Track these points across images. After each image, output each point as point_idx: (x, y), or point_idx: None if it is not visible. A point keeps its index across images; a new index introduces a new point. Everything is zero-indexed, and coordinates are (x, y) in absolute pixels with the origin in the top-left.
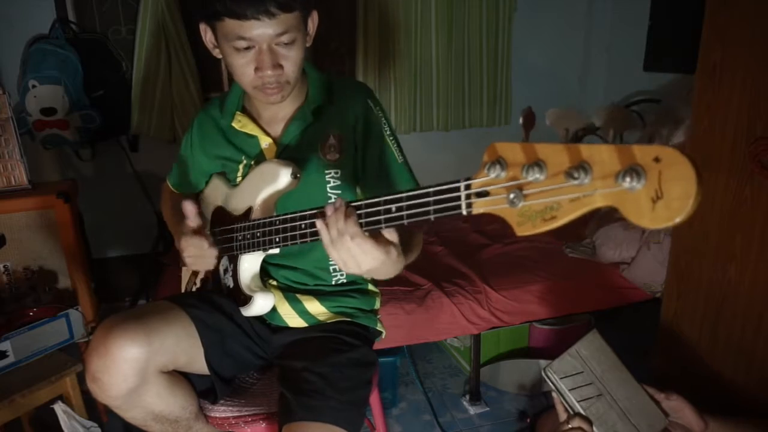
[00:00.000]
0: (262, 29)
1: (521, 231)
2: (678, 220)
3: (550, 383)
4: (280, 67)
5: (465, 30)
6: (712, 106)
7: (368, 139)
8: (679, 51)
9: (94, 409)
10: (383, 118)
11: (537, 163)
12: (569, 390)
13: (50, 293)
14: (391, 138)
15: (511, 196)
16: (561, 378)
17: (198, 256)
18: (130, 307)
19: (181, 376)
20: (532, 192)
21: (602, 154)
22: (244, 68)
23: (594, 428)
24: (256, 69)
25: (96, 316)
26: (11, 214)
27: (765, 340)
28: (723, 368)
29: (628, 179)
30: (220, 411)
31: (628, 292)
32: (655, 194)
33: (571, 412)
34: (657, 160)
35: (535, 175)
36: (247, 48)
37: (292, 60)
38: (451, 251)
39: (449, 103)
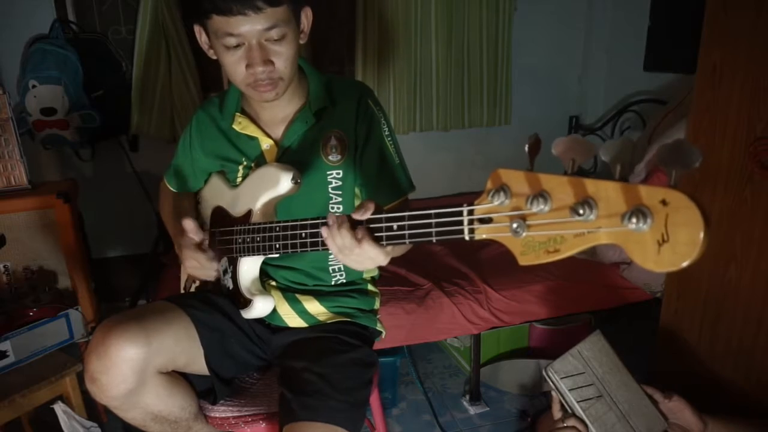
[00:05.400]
0: (249, 25)
1: (524, 261)
2: (684, 264)
3: (551, 383)
4: (271, 63)
5: (465, 30)
6: (712, 106)
7: (368, 139)
8: (679, 51)
9: (94, 409)
10: (383, 119)
11: (542, 194)
12: (569, 390)
13: (50, 293)
14: (389, 138)
15: (515, 225)
16: (562, 378)
17: (199, 268)
18: (130, 307)
19: (180, 377)
20: (535, 223)
21: (608, 192)
22: (235, 66)
23: (592, 429)
24: (247, 66)
25: (96, 316)
26: (11, 214)
27: (765, 341)
28: (723, 368)
29: (634, 220)
30: (220, 411)
31: (628, 292)
32: (662, 237)
33: (569, 412)
34: (664, 202)
35: (539, 207)
36: (237, 45)
37: (283, 56)
38: (451, 251)
39: (449, 102)
